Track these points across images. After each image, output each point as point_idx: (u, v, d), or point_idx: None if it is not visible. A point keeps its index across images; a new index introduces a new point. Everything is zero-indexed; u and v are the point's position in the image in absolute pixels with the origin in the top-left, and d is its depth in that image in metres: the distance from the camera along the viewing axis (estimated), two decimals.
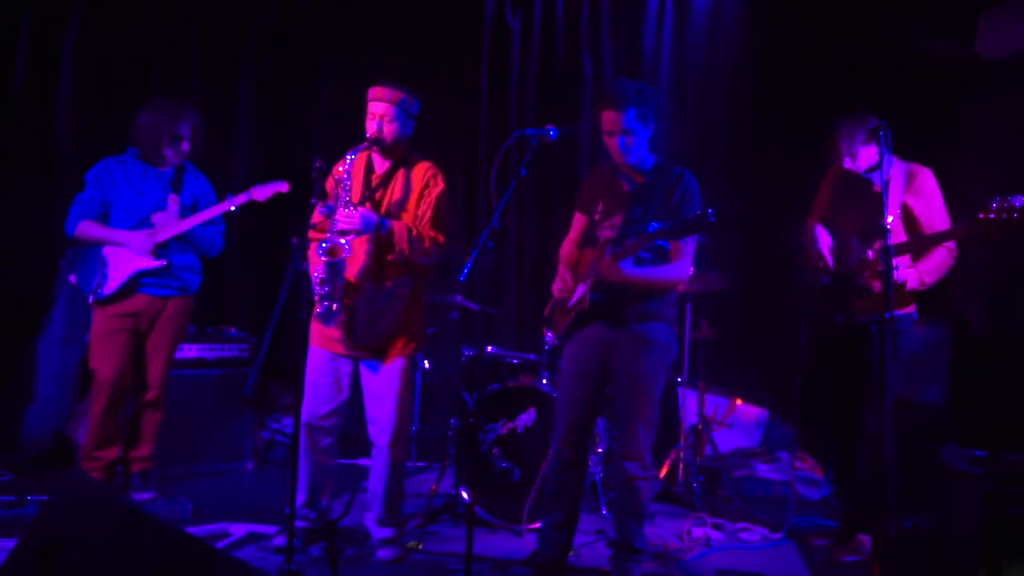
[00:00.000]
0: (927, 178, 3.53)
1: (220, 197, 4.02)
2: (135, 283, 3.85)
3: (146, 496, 3.87)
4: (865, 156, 3.53)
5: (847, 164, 3.58)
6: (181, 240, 3.94)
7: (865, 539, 3.57)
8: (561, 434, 3.22)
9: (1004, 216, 2.92)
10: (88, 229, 3.88)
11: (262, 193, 3.86)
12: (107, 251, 3.86)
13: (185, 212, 3.95)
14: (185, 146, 3.94)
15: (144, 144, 3.90)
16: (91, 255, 3.90)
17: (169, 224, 3.87)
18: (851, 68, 5.16)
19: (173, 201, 3.92)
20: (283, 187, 3.87)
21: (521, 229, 5.63)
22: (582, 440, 3.23)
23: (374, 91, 3.34)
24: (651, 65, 5.62)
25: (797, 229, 3.90)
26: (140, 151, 3.93)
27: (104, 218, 3.92)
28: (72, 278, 4.07)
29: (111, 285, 3.83)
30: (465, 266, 2.84)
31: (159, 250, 3.86)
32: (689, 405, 4.66)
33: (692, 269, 3.15)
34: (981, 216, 2.98)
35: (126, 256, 3.84)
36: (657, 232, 2.84)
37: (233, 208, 3.89)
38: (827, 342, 3.71)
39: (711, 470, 4.57)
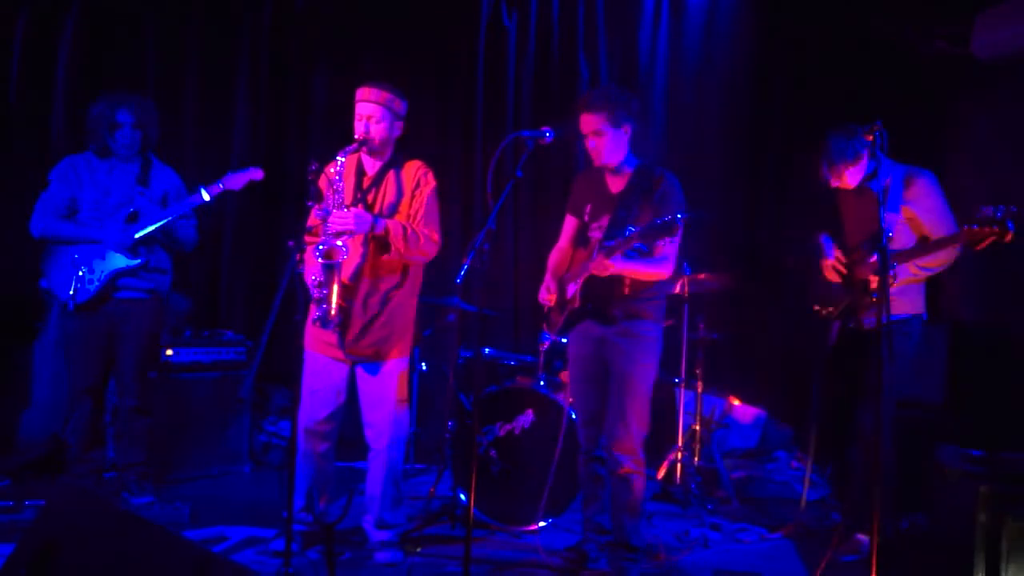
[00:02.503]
0: (927, 181, 3.50)
1: (190, 190, 3.86)
2: (112, 286, 3.75)
3: (143, 501, 3.85)
4: (853, 173, 3.54)
5: (834, 184, 3.60)
6: (152, 239, 3.82)
7: (863, 539, 3.57)
8: (583, 430, 3.40)
9: (987, 228, 3.01)
10: (57, 227, 3.75)
11: (236, 182, 3.76)
12: (80, 253, 3.73)
13: (156, 206, 3.84)
14: (126, 131, 3.78)
15: (93, 137, 3.81)
16: (63, 257, 3.75)
17: (149, 216, 3.77)
18: (848, 69, 5.17)
19: (141, 196, 3.81)
20: (257, 174, 3.79)
21: (518, 230, 5.63)
22: (600, 432, 3.36)
23: (361, 92, 3.34)
24: (647, 66, 5.63)
25: (795, 232, 3.90)
26: (95, 147, 3.83)
27: (72, 216, 3.79)
28: (43, 283, 3.82)
29: (88, 290, 3.72)
30: (462, 268, 2.85)
31: (137, 247, 3.76)
32: (687, 406, 4.66)
33: (673, 266, 3.25)
34: (966, 227, 3.08)
35: (101, 256, 3.73)
36: (632, 236, 2.99)
37: (208, 199, 3.76)
38: (834, 347, 3.72)
39: (709, 470, 4.57)
